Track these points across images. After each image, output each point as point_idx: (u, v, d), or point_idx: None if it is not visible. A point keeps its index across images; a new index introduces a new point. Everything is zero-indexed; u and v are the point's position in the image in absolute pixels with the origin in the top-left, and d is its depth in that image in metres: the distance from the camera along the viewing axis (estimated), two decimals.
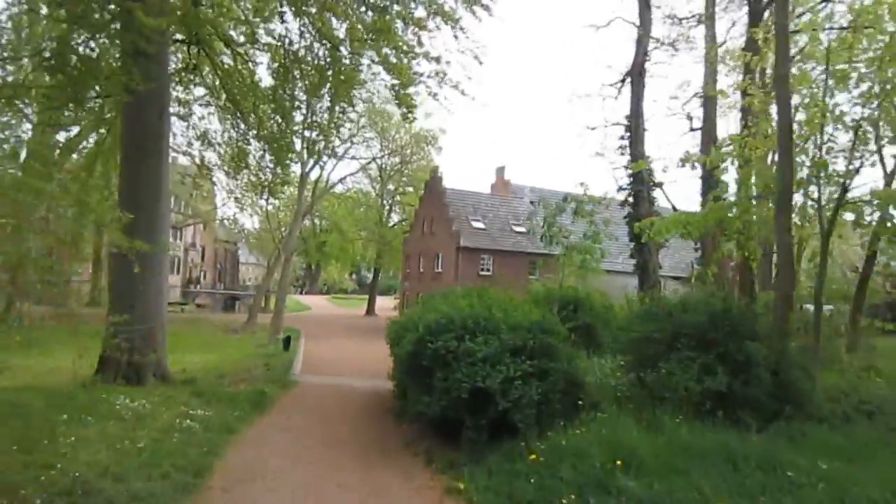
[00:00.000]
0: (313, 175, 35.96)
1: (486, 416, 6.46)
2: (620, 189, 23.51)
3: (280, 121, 19.27)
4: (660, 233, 11.10)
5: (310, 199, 38.57)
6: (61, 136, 22.58)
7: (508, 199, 42.77)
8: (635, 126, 21.96)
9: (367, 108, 40.92)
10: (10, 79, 16.37)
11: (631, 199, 22.71)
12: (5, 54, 16.61)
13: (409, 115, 14.20)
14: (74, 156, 22.54)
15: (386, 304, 67.57)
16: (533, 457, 5.70)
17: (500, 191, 44.74)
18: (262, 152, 20.95)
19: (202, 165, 25.24)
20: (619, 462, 5.21)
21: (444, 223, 38.19)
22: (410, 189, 53.18)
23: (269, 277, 41.02)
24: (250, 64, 19.59)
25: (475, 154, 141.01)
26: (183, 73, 20.96)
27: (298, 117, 19.38)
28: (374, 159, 44.26)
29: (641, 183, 21.56)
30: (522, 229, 39.74)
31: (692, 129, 22.22)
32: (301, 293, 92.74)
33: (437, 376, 6.84)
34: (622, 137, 22.61)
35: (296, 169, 37.50)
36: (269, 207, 42.49)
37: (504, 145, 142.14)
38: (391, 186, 53.02)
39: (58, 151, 23.57)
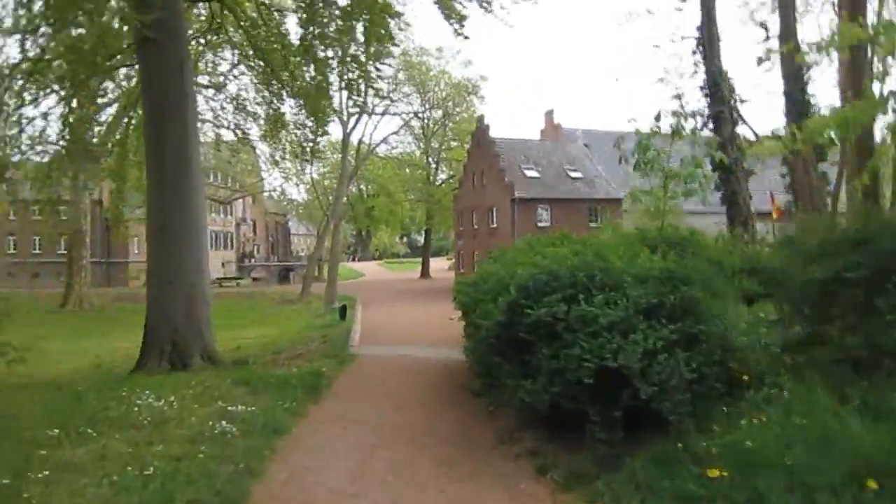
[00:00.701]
0: (355, 138, 34.27)
1: (618, 405, 4.61)
2: (693, 114, 20.68)
3: (314, 73, 17.49)
4: (815, 135, 8.75)
5: (353, 162, 36.95)
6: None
7: (561, 143, 40.09)
8: (709, 36, 19.11)
9: (404, 61, 38.65)
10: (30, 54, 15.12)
11: (711, 124, 19.89)
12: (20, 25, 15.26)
13: (460, 28, 12.20)
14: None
15: (440, 266, 66.27)
16: (714, 472, 3.80)
17: (550, 136, 42.05)
18: (298, 110, 19.32)
19: (243, 135, 23.93)
20: (870, 483, 3.31)
21: (496, 175, 35.99)
22: (455, 144, 50.91)
23: (319, 246, 40.01)
24: (275, 14, 17.80)
25: (520, 100, 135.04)
26: (208, 34, 19.33)
27: (333, 67, 17.58)
28: (415, 114, 42.04)
29: (722, 102, 18.79)
30: (579, 174, 37.20)
31: (767, 38, 19.25)
32: (353, 260, 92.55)
33: (541, 353, 5.01)
34: (693, 52, 19.78)
35: (337, 132, 36.01)
36: (314, 174, 41.26)
37: (549, 88, 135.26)
38: (435, 144, 50.82)
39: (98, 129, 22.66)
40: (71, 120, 17.47)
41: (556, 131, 42.01)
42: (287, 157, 25.95)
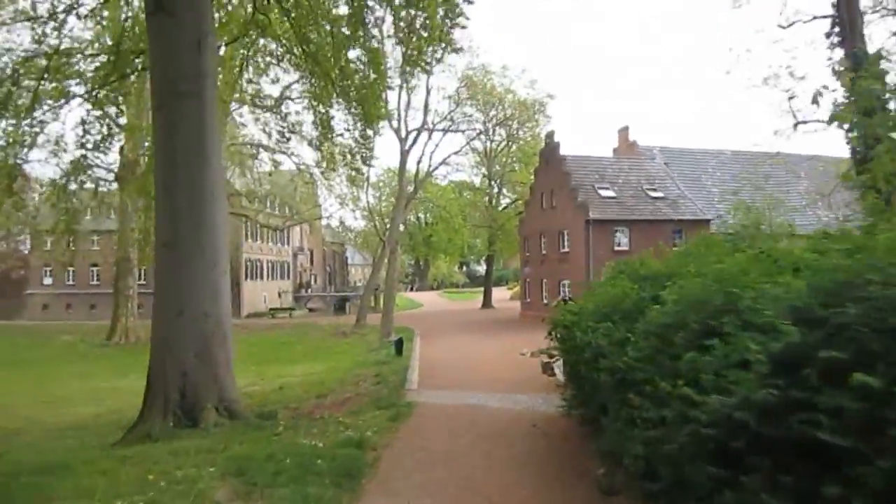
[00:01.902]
0: (413, 159, 31.77)
1: None
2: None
3: (364, 68, 14.95)
4: None
5: (413, 185, 34.44)
6: None
7: (638, 161, 36.44)
8: (849, 14, 15.52)
9: (466, 76, 36.22)
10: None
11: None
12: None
13: None
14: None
15: (500, 296, 62.79)
16: None
17: (625, 154, 38.46)
18: (347, 112, 16.82)
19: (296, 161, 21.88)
20: None
21: (567, 195, 32.66)
22: (519, 167, 47.96)
23: (375, 274, 37.48)
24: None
25: (590, 120, 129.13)
26: (250, 29, 17.18)
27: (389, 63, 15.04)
28: (478, 133, 39.25)
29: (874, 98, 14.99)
30: (660, 194, 33.40)
31: None
32: (411, 290, 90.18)
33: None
34: (828, 35, 16.17)
35: (394, 153, 33.74)
36: (370, 198, 39.05)
37: (621, 105, 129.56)
38: (498, 167, 47.95)
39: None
40: (126, 150, 15.88)
41: (631, 149, 38.43)
42: (342, 179, 23.79)
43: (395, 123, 30.62)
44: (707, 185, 37.47)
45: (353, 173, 19.35)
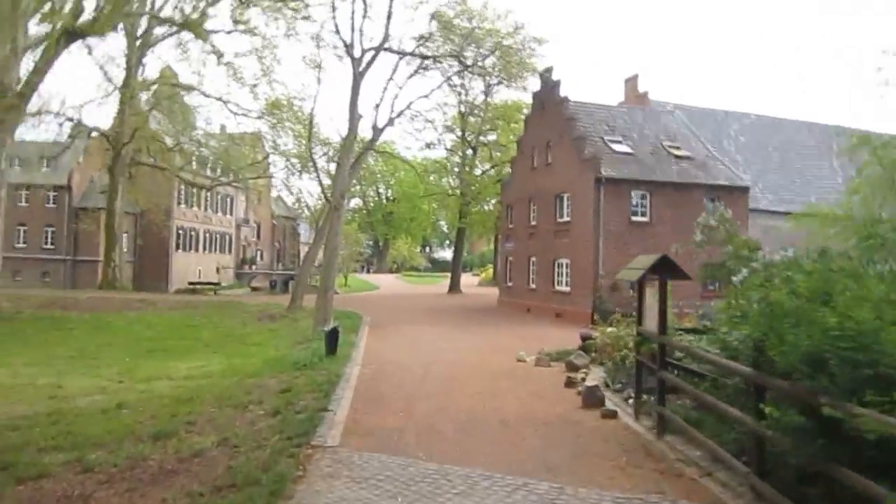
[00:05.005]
0: (371, 101, 23.64)
1: None
2: None
3: None
4: None
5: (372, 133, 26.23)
6: None
7: (655, 114, 29.20)
8: None
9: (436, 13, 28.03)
10: None
11: None
12: None
13: None
14: None
15: (467, 282, 55.23)
16: None
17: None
18: None
19: None
20: None
21: (569, 148, 25.18)
22: (501, 125, 40.32)
23: (318, 243, 29.36)
24: None
25: (589, 69, 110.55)
26: None
27: None
28: (458, 71, 30.82)
29: None
30: (686, 153, 26.21)
31: None
32: (367, 272, 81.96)
33: None
34: None
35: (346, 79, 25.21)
36: (319, 160, 30.73)
37: (625, 56, 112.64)
38: (473, 119, 40.05)
39: None
40: None
41: (641, 103, 31.12)
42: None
43: (346, 37, 22.60)
44: (731, 152, 30.56)
45: None
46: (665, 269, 7.69)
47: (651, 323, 7.96)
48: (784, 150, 33.24)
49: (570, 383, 10.95)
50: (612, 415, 8.54)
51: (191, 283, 45.53)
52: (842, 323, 4.29)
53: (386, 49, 23.58)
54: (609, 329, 13.22)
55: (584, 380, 11.07)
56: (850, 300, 4.14)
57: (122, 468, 6.21)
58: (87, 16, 16.33)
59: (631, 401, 9.03)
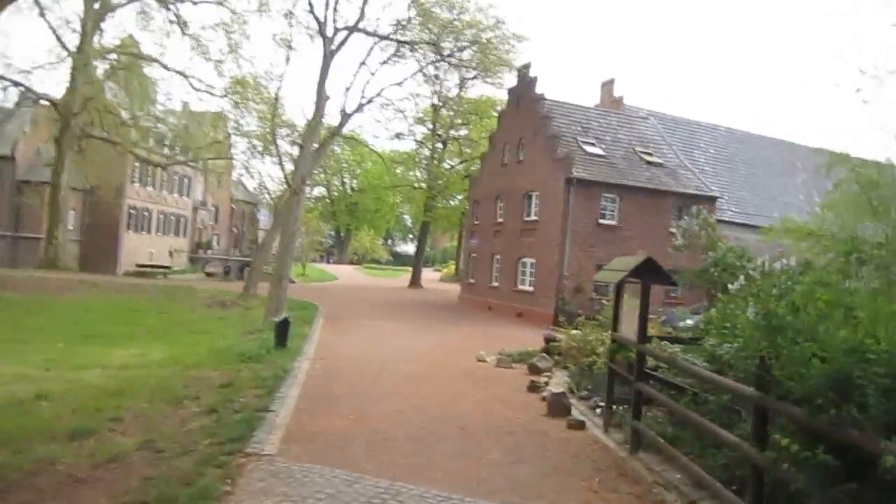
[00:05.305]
0: (342, 82, 22.82)
1: None
2: None
3: None
4: None
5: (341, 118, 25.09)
6: None
7: (629, 119, 28.93)
8: None
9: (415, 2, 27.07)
10: None
11: None
12: None
13: None
14: None
15: (429, 277, 54.49)
16: None
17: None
18: None
19: None
20: None
21: (542, 146, 24.67)
22: (472, 120, 39.62)
23: (274, 230, 28.17)
24: None
25: (564, 70, 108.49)
26: None
27: None
28: (434, 61, 29.86)
29: None
30: (657, 160, 26.00)
31: None
32: (327, 262, 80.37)
33: None
34: None
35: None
36: (283, 144, 29.51)
37: (601, 62, 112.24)
38: (445, 112, 39.19)
39: None
40: None
41: (616, 107, 30.82)
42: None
43: (320, 14, 21.51)
44: (699, 162, 30.56)
45: None
46: (648, 273, 7.09)
47: (628, 329, 7.36)
48: (751, 164, 33.52)
49: (533, 387, 10.34)
50: (580, 426, 7.92)
51: (139, 266, 43.50)
52: (864, 342, 3.71)
53: (360, 30, 22.57)
54: (574, 332, 12.64)
55: (547, 384, 10.47)
56: (883, 317, 3.54)
57: (25, 474, 5.26)
58: None
59: (599, 410, 8.45)
